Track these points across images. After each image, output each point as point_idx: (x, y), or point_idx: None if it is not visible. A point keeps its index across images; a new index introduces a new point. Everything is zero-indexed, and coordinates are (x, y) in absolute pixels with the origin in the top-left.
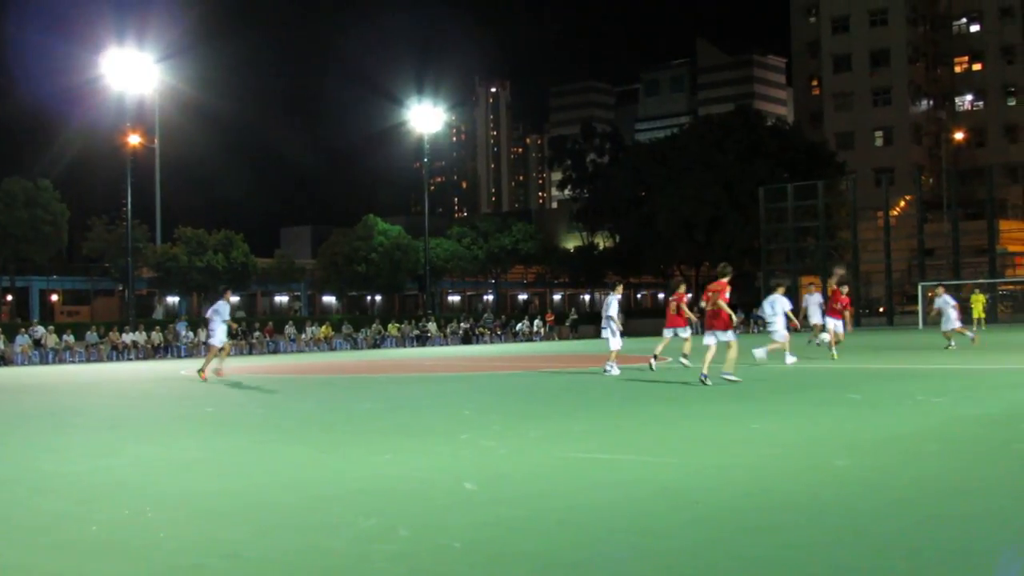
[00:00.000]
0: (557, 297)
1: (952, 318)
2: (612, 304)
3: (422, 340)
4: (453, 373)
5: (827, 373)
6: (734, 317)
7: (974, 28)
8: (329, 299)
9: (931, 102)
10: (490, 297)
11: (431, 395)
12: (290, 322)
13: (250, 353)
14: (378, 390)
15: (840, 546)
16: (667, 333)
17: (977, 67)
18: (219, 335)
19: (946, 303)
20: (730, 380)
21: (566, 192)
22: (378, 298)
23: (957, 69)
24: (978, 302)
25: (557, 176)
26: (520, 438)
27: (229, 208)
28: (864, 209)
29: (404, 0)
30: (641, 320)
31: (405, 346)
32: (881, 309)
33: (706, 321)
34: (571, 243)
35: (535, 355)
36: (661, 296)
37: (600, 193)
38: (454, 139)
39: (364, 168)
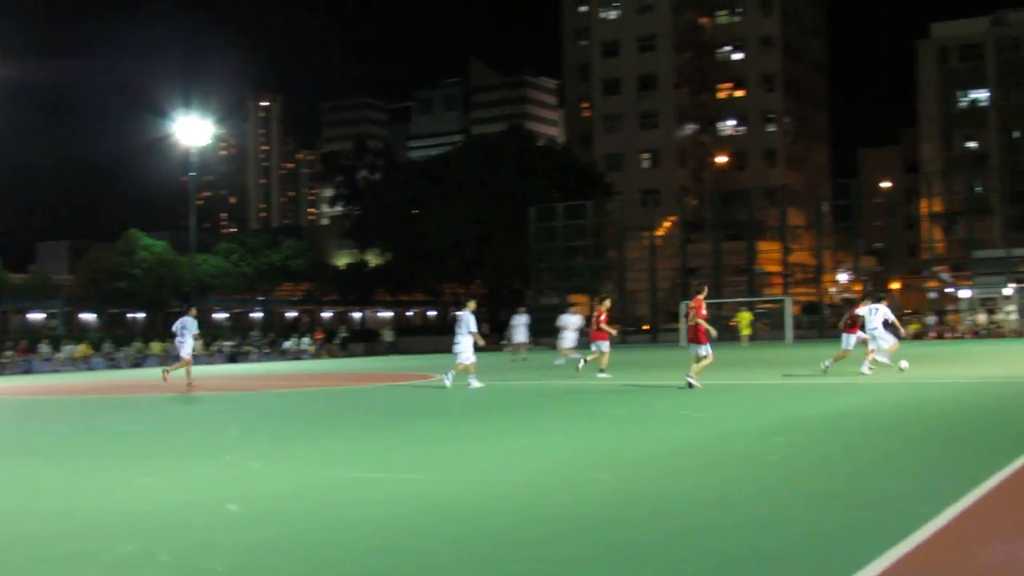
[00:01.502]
0: (327, 315)
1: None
2: (470, 320)
3: None
4: (219, 392)
5: (595, 390)
6: (711, 331)
7: (736, 56)
8: (89, 316)
9: (696, 126)
10: (259, 314)
11: (195, 415)
12: (45, 340)
13: (1, 373)
14: (138, 411)
15: (601, 559)
16: (593, 347)
17: (739, 94)
18: None
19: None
20: (692, 385)
21: (337, 208)
22: (141, 316)
23: (720, 95)
24: (744, 319)
25: (329, 192)
26: (287, 459)
27: None
28: (631, 229)
29: (168, 9)
30: (414, 338)
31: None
32: (645, 327)
33: (688, 334)
34: (342, 260)
35: (304, 374)
36: (432, 314)
37: (372, 210)
38: (223, 153)
39: (129, 181)
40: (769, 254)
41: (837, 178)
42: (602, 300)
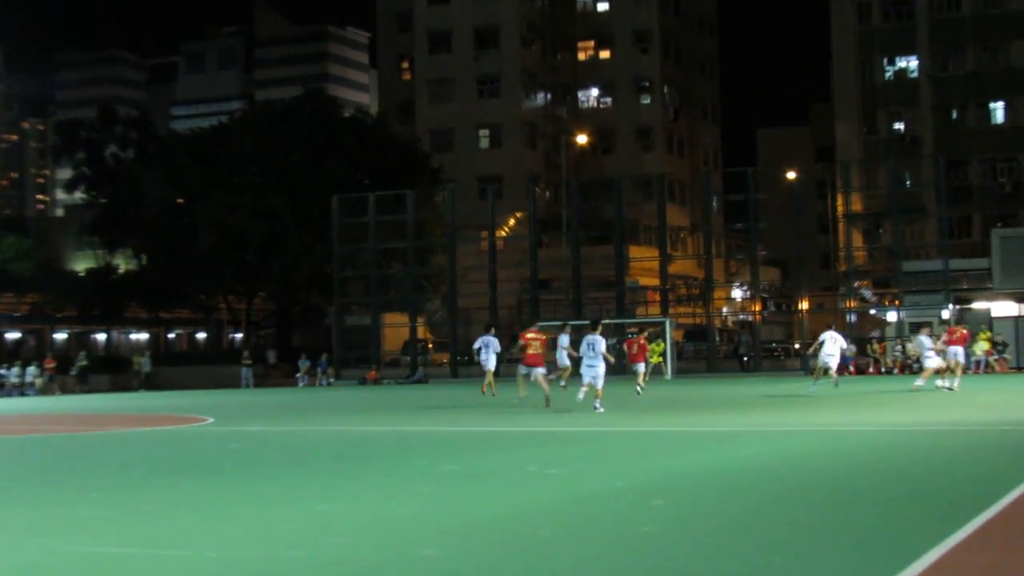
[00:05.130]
0: (61, 336)
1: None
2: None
3: None
4: None
5: (419, 438)
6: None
7: (602, 7)
8: None
9: (549, 95)
10: None
11: None
12: None
13: None
14: None
15: None
16: (522, 370)
17: (605, 55)
18: None
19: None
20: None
21: (77, 195)
22: None
23: (581, 56)
24: (656, 350)
25: (65, 174)
26: (1, 527)
27: None
28: (465, 228)
29: None
30: (177, 369)
31: None
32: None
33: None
34: (82, 264)
35: (28, 415)
36: (202, 336)
37: (123, 198)
38: None
39: None
40: (644, 263)
41: (730, 166)
42: (531, 322)
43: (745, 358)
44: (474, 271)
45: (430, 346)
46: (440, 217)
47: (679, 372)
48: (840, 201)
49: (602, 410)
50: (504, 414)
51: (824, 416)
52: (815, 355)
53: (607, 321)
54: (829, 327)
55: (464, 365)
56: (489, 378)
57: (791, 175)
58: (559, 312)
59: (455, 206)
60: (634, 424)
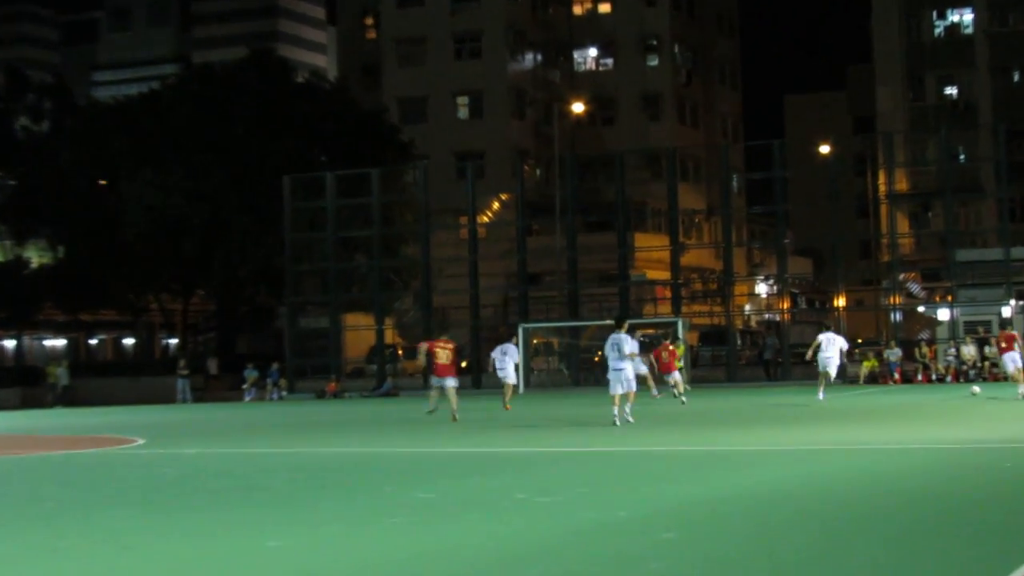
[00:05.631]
0: None
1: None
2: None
3: None
4: None
5: (387, 460)
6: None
7: None
8: None
9: (540, 56)
10: None
11: None
12: None
13: None
14: None
15: None
16: (435, 382)
17: (605, 8)
18: None
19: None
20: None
21: None
22: None
23: (577, 9)
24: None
25: None
26: None
27: None
28: (441, 213)
29: None
30: (101, 381)
31: None
32: (464, 363)
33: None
34: None
35: None
36: (129, 342)
37: (36, 179)
38: None
39: None
40: (651, 252)
41: (753, 138)
42: (441, 334)
43: (771, 364)
44: (452, 264)
45: (400, 353)
46: (411, 200)
47: (694, 381)
48: (882, 179)
49: (632, 420)
50: (488, 431)
51: (863, 432)
52: (813, 360)
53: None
54: (827, 328)
55: None
56: (509, 393)
57: (824, 149)
58: (552, 312)
59: (429, 187)
60: (639, 442)
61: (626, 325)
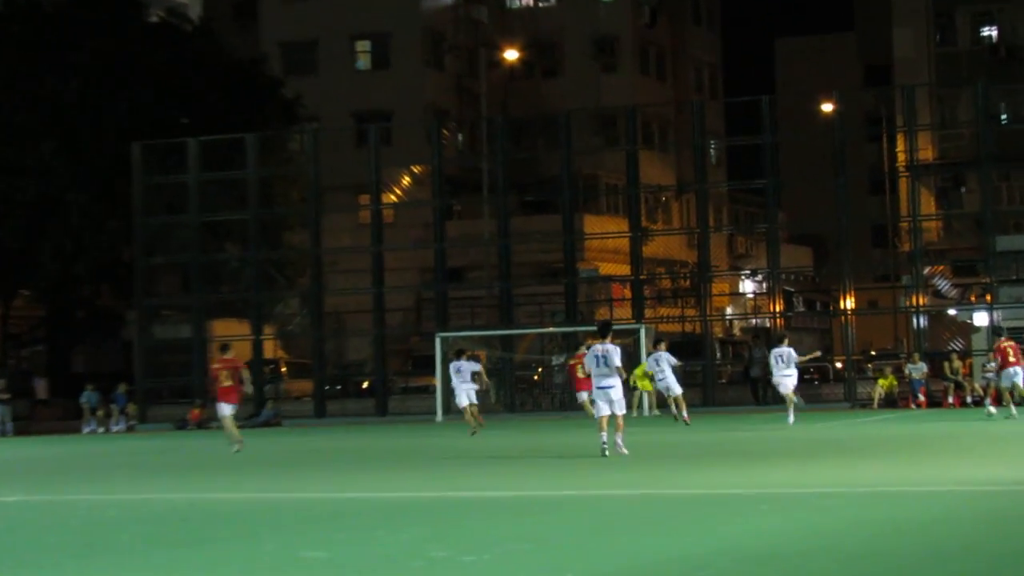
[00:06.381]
0: None
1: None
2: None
3: None
4: None
5: (268, 510)
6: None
7: None
8: None
9: None
10: None
11: None
12: None
13: None
14: None
15: None
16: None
17: None
18: None
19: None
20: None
21: None
22: None
23: None
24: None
25: None
26: None
27: None
28: (337, 191)
29: None
30: None
31: None
32: (365, 384)
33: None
34: None
35: None
36: None
37: None
38: None
39: None
40: (607, 241)
41: (736, 93)
42: (224, 348)
43: (760, 383)
44: (350, 256)
45: (284, 370)
46: (298, 174)
47: (662, 405)
48: (901, 145)
49: (626, 452)
50: (402, 470)
51: (876, 471)
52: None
53: (561, 330)
54: (781, 341)
55: (336, 399)
56: (468, 413)
57: (827, 107)
58: (478, 317)
59: (320, 157)
60: (593, 485)
61: (611, 334)
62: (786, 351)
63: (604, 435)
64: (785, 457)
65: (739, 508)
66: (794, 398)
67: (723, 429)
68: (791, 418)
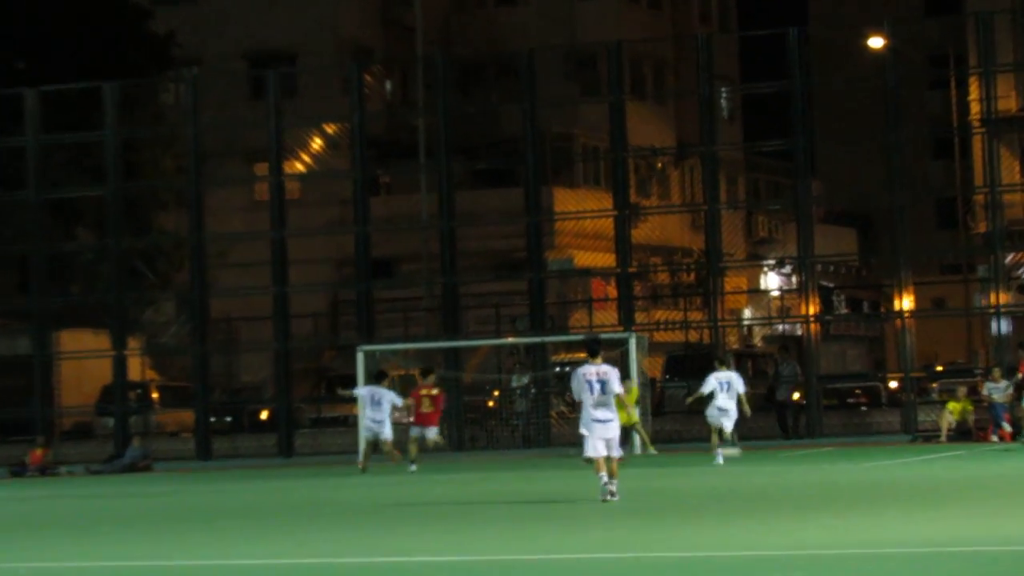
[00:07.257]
0: None
1: None
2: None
3: None
4: None
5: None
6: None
7: None
8: None
9: None
10: None
11: None
12: None
13: None
14: None
15: None
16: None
17: None
18: None
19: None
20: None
21: None
22: None
23: None
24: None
25: None
26: None
27: None
28: (224, 157)
29: None
30: None
31: None
32: (264, 415)
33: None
34: None
35: None
36: None
37: None
38: None
39: None
40: (584, 222)
41: (753, 26)
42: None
43: (788, 410)
44: (243, 244)
45: (155, 396)
46: (172, 136)
47: (658, 440)
48: (974, 93)
49: (617, 498)
50: (313, 530)
51: (945, 525)
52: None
53: (525, 340)
54: (720, 363)
55: (225, 435)
56: (388, 448)
57: (875, 43)
58: (414, 324)
59: (202, 113)
60: (575, 544)
61: (601, 354)
62: (731, 375)
63: (604, 475)
64: (824, 507)
65: (764, 575)
66: (725, 436)
67: (740, 470)
68: (720, 458)
